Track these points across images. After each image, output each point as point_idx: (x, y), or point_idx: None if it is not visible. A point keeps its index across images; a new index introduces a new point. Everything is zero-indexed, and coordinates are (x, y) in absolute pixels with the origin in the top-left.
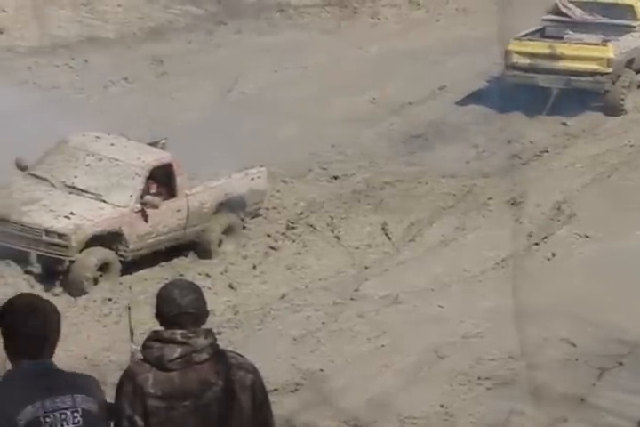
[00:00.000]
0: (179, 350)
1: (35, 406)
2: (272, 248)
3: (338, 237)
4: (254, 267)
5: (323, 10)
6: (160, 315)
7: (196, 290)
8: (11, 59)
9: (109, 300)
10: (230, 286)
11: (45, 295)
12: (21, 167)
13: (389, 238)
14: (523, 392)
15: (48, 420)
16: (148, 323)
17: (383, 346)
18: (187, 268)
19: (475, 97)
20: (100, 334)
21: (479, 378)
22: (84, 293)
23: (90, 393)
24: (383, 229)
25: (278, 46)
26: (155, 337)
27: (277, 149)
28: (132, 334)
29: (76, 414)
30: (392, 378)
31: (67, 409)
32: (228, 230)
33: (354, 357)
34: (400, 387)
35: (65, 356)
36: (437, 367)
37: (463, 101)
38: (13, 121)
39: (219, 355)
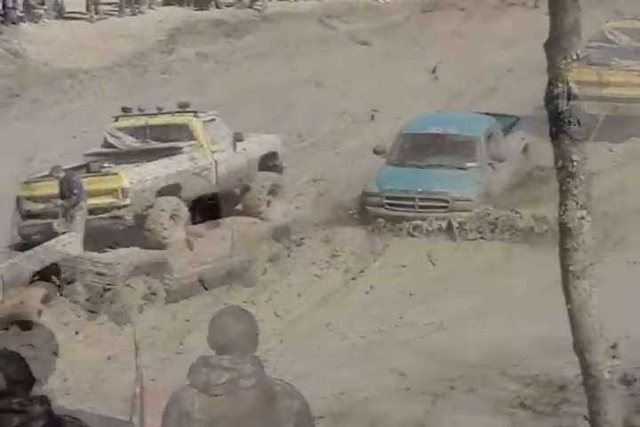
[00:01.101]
0: (225, 375)
1: None
2: (316, 276)
3: (382, 265)
4: (299, 295)
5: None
6: (211, 341)
7: (248, 318)
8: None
9: (154, 328)
10: (275, 314)
11: (90, 324)
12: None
13: (433, 264)
14: (574, 416)
15: None
16: (192, 351)
17: (428, 373)
18: (231, 296)
19: (522, 123)
20: (143, 362)
21: (528, 402)
22: (130, 321)
23: None
24: (428, 255)
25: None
26: (202, 362)
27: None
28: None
29: None
30: (439, 405)
31: None
32: (273, 258)
33: (399, 383)
34: (449, 413)
35: (112, 383)
36: (486, 393)
37: None
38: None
39: (265, 382)
